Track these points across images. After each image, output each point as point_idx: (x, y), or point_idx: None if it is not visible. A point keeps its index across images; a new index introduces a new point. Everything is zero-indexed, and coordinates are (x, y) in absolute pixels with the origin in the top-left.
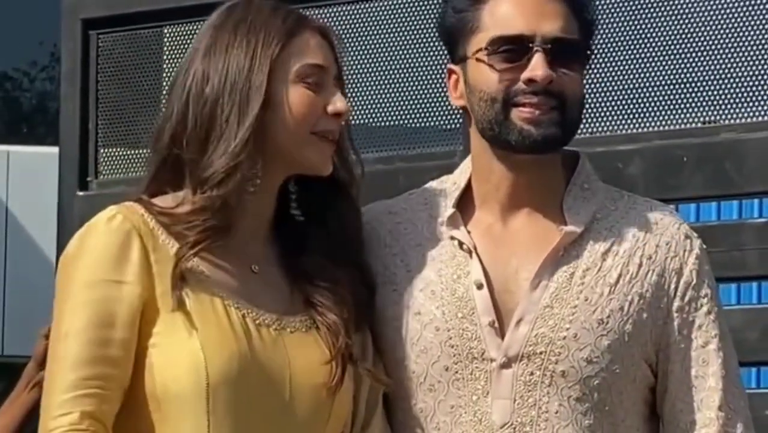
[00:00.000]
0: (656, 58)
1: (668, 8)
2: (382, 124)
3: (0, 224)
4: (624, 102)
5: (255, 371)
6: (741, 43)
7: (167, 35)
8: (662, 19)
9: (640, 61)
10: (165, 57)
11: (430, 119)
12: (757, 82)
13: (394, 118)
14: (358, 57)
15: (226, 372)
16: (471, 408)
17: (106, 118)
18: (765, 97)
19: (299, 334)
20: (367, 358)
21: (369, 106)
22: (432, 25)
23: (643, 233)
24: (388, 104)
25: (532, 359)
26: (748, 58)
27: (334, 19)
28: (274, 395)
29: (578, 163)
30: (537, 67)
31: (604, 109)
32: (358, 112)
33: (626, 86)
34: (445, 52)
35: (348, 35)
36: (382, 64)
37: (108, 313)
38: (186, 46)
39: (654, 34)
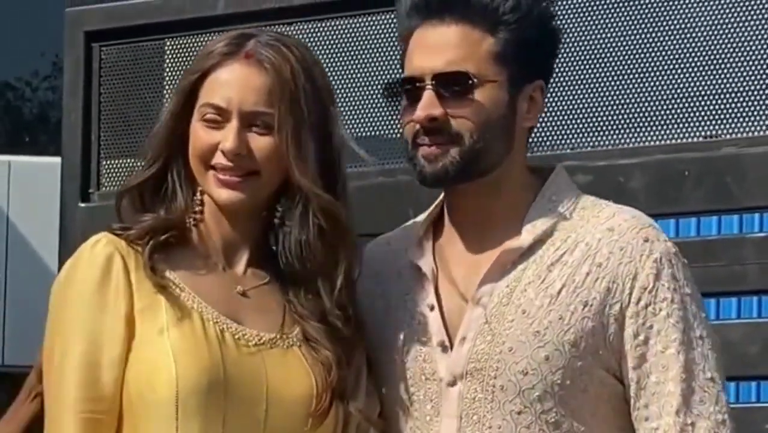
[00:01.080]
0: (658, 73)
1: (669, 23)
2: (386, 136)
3: (0, 234)
4: (625, 116)
5: (229, 384)
6: (742, 58)
7: (169, 47)
8: (664, 33)
9: (641, 75)
10: (166, 69)
11: (390, 131)
12: (758, 97)
13: (397, 130)
14: (361, 70)
15: (196, 382)
16: (426, 428)
17: (108, 129)
18: (766, 112)
19: (280, 351)
20: (358, 395)
21: (371, 119)
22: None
23: (597, 241)
24: (390, 117)
25: (475, 376)
26: (750, 73)
27: (337, 31)
28: (249, 410)
29: (553, 174)
30: (421, 107)
31: (606, 123)
32: (360, 125)
33: (628, 100)
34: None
35: (349, 48)
36: (384, 77)
37: (98, 342)
38: (188, 58)
39: (655, 49)
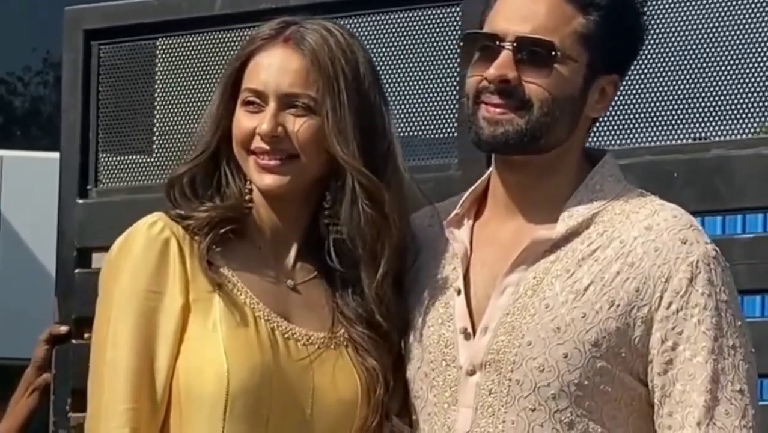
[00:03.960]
0: (647, 76)
1: (658, 26)
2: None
3: None
4: (616, 118)
5: (277, 383)
6: (730, 61)
7: (160, 47)
8: (653, 38)
9: (631, 78)
10: (157, 68)
11: (424, 131)
12: (746, 99)
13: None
14: None
15: (246, 382)
16: (442, 416)
17: (106, 126)
18: (754, 114)
19: (329, 353)
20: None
21: None
22: (424, 39)
23: (632, 239)
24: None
25: (493, 368)
26: (738, 76)
27: None
28: (295, 409)
29: (600, 162)
30: (496, 65)
31: (599, 125)
32: None
33: (618, 103)
34: (438, 64)
35: None
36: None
37: (152, 325)
38: (179, 58)
39: (645, 53)
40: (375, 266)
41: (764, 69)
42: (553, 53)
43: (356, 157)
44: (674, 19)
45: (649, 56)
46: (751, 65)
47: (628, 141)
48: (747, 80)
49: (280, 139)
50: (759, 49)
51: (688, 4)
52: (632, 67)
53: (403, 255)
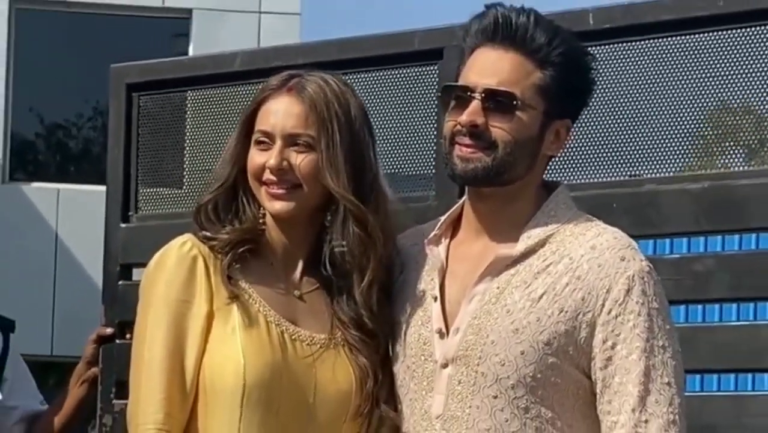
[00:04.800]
0: (594, 122)
1: (604, 82)
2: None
3: (51, 247)
4: (568, 158)
5: (285, 377)
6: (660, 113)
7: (189, 98)
8: (599, 90)
9: (580, 123)
10: (187, 115)
11: (408, 168)
12: (672, 144)
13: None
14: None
15: (260, 376)
16: (420, 401)
17: (144, 163)
18: (679, 156)
19: (329, 352)
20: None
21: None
22: (409, 92)
23: (579, 256)
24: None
25: (462, 362)
26: (666, 125)
27: None
28: (301, 398)
29: (554, 192)
30: (467, 112)
31: (552, 164)
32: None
33: (570, 145)
34: (419, 112)
35: None
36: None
37: (182, 328)
38: (205, 106)
39: (592, 103)
40: (361, 276)
41: (686, 120)
42: (515, 102)
43: (346, 187)
44: (616, 77)
45: (595, 106)
46: (676, 116)
47: (578, 177)
48: (673, 128)
49: (286, 172)
50: (682, 104)
51: (628, 66)
52: (581, 118)
53: (389, 269)
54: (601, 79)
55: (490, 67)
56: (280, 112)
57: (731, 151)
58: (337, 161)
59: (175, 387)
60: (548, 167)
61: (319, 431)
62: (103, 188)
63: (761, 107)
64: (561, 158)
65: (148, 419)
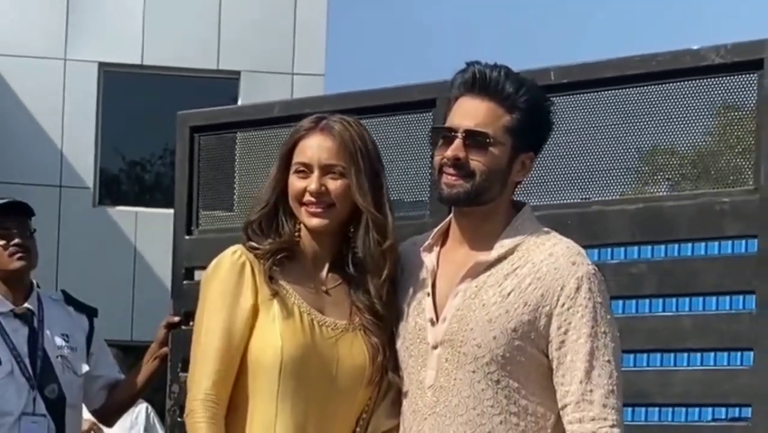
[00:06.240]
0: (554, 155)
1: (561, 121)
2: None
3: (131, 256)
4: (531, 184)
5: (314, 355)
6: (605, 149)
7: (238, 138)
8: (557, 128)
9: (540, 158)
10: (236, 152)
11: (409, 194)
12: (614, 174)
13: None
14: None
15: (294, 354)
16: (416, 374)
17: (203, 191)
18: (620, 183)
19: (348, 334)
20: (390, 362)
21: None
22: (410, 133)
23: (540, 262)
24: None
25: (449, 344)
26: (609, 158)
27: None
28: (326, 371)
29: (521, 211)
30: (451, 149)
31: (519, 188)
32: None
33: (533, 174)
34: (418, 150)
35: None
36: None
37: (233, 318)
38: (250, 145)
39: (552, 139)
40: (379, 273)
41: (625, 156)
42: (489, 140)
43: (370, 203)
44: (572, 121)
45: (554, 143)
46: (617, 154)
47: (540, 199)
48: (615, 163)
49: (323, 194)
50: (622, 144)
51: (581, 112)
52: (543, 149)
53: (397, 266)
54: (559, 121)
55: (469, 112)
56: (315, 147)
57: (659, 182)
58: (364, 184)
59: (223, 364)
60: (516, 191)
61: (341, 396)
62: (171, 210)
63: (682, 149)
64: (526, 184)
65: (200, 388)
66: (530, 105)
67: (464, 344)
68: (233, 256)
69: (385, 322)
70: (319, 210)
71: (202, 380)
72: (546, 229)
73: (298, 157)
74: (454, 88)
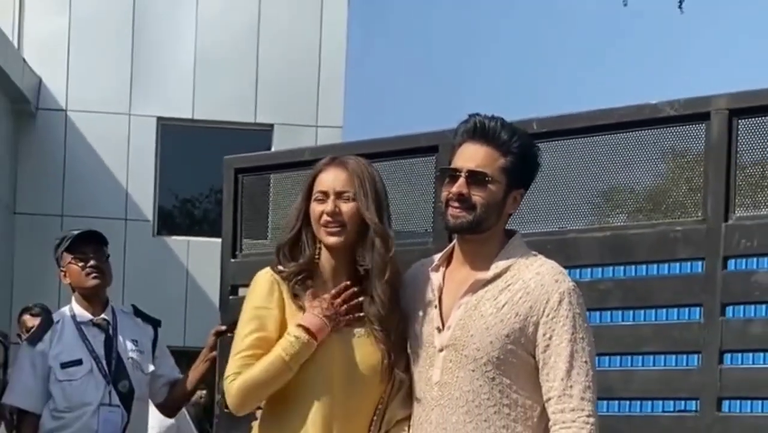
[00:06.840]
0: (537, 192)
1: (546, 165)
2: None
3: (183, 279)
4: (521, 216)
5: (335, 353)
6: (579, 188)
7: (273, 178)
8: (543, 170)
9: (528, 194)
10: (271, 190)
11: (415, 225)
12: (585, 208)
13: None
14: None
15: (318, 356)
16: (425, 373)
17: (245, 222)
18: (589, 216)
19: (362, 338)
20: (401, 362)
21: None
22: (415, 174)
23: (529, 279)
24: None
25: (453, 348)
26: (583, 194)
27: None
28: (345, 369)
29: (513, 237)
30: (456, 186)
31: (512, 219)
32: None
33: (522, 208)
34: (422, 188)
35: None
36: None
37: (264, 323)
38: (283, 184)
39: (538, 179)
40: (382, 277)
41: (594, 194)
42: (488, 179)
43: (375, 219)
44: (552, 163)
45: (539, 181)
46: (588, 191)
47: (528, 228)
48: (586, 198)
49: (337, 215)
50: (592, 183)
51: (558, 156)
52: (531, 186)
53: (397, 275)
54: (543, 164)
55: (471, 156)
56: (331, 178)
57: (622, 215)
58: (370, 206)
59: (251, 357)
60: (509, 221)
61: (357, 391)
62: (217, 239)
63: (638, 188)
64: (517, 215)
65: (231, 370)
66: (522, 150)
67: (465, 347)
68: (265, 276)
69: (389, 331)
70: (334, 229)
71: (233, 366)
72: (534, 252)
73: (318, 187)
74: (458, 135)
